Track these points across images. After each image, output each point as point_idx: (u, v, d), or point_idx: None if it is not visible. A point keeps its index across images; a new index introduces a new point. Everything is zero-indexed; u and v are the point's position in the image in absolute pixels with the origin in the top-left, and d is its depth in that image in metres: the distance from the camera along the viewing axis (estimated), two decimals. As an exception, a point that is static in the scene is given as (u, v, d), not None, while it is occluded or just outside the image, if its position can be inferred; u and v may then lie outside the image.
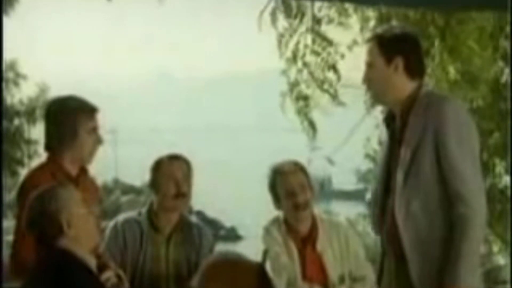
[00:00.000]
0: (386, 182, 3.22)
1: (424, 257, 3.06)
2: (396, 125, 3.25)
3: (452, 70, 7.95)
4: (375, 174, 3.58)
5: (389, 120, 3.30)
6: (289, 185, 3.74)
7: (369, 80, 3.27)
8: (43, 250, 2.93)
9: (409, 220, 3.07)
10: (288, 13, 7.82)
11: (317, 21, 7.84)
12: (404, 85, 3.20)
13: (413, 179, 3.07)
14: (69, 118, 3.48)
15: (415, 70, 3.22)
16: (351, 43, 8.04)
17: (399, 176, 3.11)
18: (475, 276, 3.02)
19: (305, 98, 8.11)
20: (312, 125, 8.17)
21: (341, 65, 8.03)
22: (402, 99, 3.19)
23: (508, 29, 7.43)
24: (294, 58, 7.98)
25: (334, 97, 8.03)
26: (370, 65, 3.25)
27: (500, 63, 8.44)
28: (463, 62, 7.93)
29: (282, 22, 7.82)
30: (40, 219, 2.92)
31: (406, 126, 3.14)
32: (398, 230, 3.09)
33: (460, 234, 2.97)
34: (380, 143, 3.55)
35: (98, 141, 3.56)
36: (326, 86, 7.99)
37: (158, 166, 3.79)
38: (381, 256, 3.29)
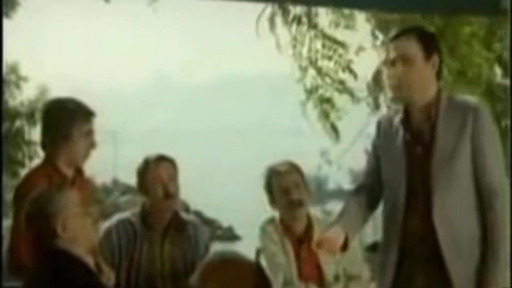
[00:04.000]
0: (409, 185, 3.07)
1: (461, 258, 2.99)
2: (414, 127, 3.09)
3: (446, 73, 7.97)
4: (379, 177, 3.25)
5: (406, 122, 3.13)
6: (283, 183, 3.76)
7: (403, 76, 3.03)
8: (41, 250, 2.93)
9: (447, 222, 2.99)
10: (285, 19, 7.85)
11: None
12: (433, 86, 3.08)
13: (450, 181, 2.99)
14: (64, 121, 3.47)
15: (441, 71, 3.12)
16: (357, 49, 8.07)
17: (435, 179, 3.00)
18: (508, 275, 3.00)
19: (327, 101, 8.14)
20: (334, 128, 8.20)
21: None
22: (428, 100, 3.06)
23: (500, 32, 7.45)
24: (310, 63, 8.00)
25: (353, 96, 8.05)
26: (406, 60, 3.03)
27: (494, 65, 8.46)
28: (459, 64, 7.93)
29: (281, 28, 7.85)
30: (36, 222, 2.91)
31: (435, 130, 3.02)
32: (433, 232, 2.99)
33: (497, 232, 2.95)
34: (378, 146, 3.27)
35: (92, 144, 3.55)
36: (343, 87, 8.02)
37: (144, 169, 3.75)
38: (397, 259, 3.11)
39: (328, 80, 8.14)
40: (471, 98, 3.24)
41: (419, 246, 3.05)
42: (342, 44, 8.02)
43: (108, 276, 3.22)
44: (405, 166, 3.09)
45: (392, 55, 3.06)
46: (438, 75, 3.10)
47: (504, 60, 8.21)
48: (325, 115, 8.27)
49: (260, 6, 7.62)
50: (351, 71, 8.11)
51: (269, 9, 7.78)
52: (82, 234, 2.94)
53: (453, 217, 3.00)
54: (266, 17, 7.81)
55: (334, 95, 8.25)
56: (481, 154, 2.99)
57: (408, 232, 3.07)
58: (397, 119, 3.17)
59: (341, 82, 8.10)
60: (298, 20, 7.96)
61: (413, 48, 3.03)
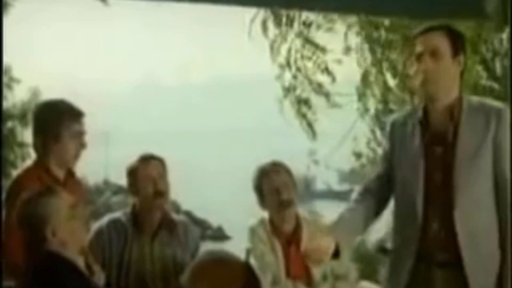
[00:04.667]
0: (427, 187, 2.98)
1: (481, 263, 2.92)
2: (435, 127, 3.01)
3: None
4: (389, 182, 3.17)
5: (426, 122, 3.04)
6: (273, 184, 3.75)
7: (431, 70, 2.95)
8: (32, 252, 2.92)
9: (468, 225, 2.91)
10: (278, 21, 7.85)
11: (307, 25, 7.88)
12: (457, 86, 3.02)
13: (472, 182, 2.92)
14: (53, 122, 3.47)
15: (463, 74, 3.04)
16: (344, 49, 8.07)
17: (458, 179, 2.92)
18: None
19: (305, 101, 8.14)
20: (311, 127, 8.20)
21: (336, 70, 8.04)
22: (451, 100, 2.99)
23: (485, 35, 7.49)
24: (287, 64, 8.00)
25: (329, 99, 8.06)
26: (434, 54, 2.95)
27: (479, 68, 8.49)
28: None
29: (273, 30, 7.85)
30: (26, 225, 2.91)
31: (458, 129, 2.94)
32: (453, 236, 2.90)
33: None
34: (391, 149, 3.18)
35: (82, 145, 3.53)
36: (321, 89, 8.03)
37: (133, 169, 3.74)
38: (413, 263, 3.01)
39: (306, 81, 8.14)
40: (491, 100, 3.16)
41: (437, 251, 2.97)
42: (322, 48, 8.02)
43: (99, 276, 3.21)
44: (424, 168, 2.99)
45: (420, 48, 2.99)
46: (462, 76, 3.05)
47: (488, 62, 8.26)
48: (302, 115, 8.25)
49: (252, 10, 7.63)
50: (329, 73, 8.11)
51: (262, 12, 7.78)
52: (72, 237, 2.94)
53: (474, 220, 2.93)
54: (259, 20, 7.81)
55: (311, 95, 8.24)
56: (503, 155, 2.93)
57: (426, 236, 2.98)
58: (413, 120, 3.08)
59: (319, 85, 8.10)
60: (289, 22, 7.96)
61: (443, 43, 2.96)
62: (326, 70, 8.01)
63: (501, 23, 5.02)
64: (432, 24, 3.06)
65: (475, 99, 3.11)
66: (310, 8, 6.02)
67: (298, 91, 8.23)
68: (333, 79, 8.11)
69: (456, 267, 2.92)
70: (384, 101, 8.14)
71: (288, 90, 8.22)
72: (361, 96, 8.27)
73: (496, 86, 8.02)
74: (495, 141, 2.94)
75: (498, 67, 7.88)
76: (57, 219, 2.89)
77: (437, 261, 2.98)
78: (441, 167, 2.98)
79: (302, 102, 8.22)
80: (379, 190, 3.21)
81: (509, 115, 2.97)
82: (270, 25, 7.86)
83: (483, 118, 2.96)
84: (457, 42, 3.00)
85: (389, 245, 3.30)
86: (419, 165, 3.00)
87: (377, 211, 3.24)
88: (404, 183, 3.07)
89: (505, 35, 7.19)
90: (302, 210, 3.95)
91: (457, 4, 4.06)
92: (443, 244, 2.95)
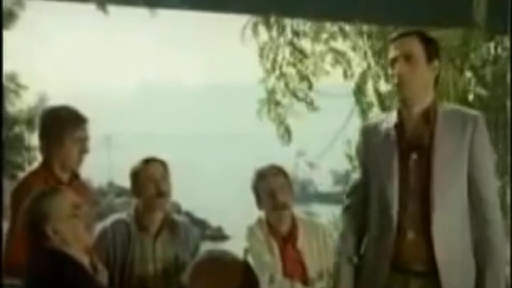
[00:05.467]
0: (402, 194, 2.84)
1: (457, 272, 2.80)
2: (410, 132, 2.89)
3: None
4: (365, 185, 3.03)
5: (401, 127, 2.92)
6: (269, 186, 3.75)
7: (405, 74, 2.85)
8: (34, 249, 2.91)
9: (446, 234, 2.78)
10: (268, 28, 7.85)
11: (295, 34, 7.87)
12: (431, 92, 2.92)
13: (448, 188, 2.80)
14: (56, 127, 3.49)
15: (438, 81, 2.95)
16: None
17: (434, 184, 2.79)
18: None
19: (280, 105, 8.13)
20: (287, 131, 8.18)
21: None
22: (426, 105, 2.88)
23: (473, 43, 7.49)
24: (272, 68, 8.00)
25: (309, 104, 8.04)
26: (408, 57, 2.86)
27: (468, 74, 8.50)
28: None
29: (262, 35, 7.85)
30: (28, 224, 2.91)
31: (435, 134, 2.83)
32: (430, 245, 2.77)
33: (492, 245, 2.81)
34: (362, 151, 3.07)
35: (84, 149, 3.54)
36: (301, 94, 8.01)
37: (136, 171, 3.75)
38: (387, 274, 2.86)
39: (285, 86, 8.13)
40: (466, 108, 3.08)
41: (414, 261, 2.84)
42: (305, 54, 7.99)
43: (102, 274, 3.21)
44: (399, 174, 2.86)
45: (394, 53, 2.92)
46: (437, 81, 2.97)
47: (478, 69, 8.26)
48: (278, 118, 8.24)
49: (242, 17, 7.64)
50: (309, 81, 8.09)
51: (253, 18, 7.79)
52: (74, 236, 2.92)
53: (450, 228, 2.81)
54: (250, 26, 7.81)
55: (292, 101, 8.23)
56: (477, 163, 2.83)
57: (402, 246, 2.84)
58: (386, 125, 2.97)
59: (298, 90, 8.08)
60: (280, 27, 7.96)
61: (416, 48, 2.88)
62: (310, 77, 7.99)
63: (490, 31, 5.01)
64: (406, 30, 2.99)
65: (450, 105, 3.04)
66: (302, 15, 6.02)
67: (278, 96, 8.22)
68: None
69: (433, 277, 2.80)
70: (376, 105, 8.14)
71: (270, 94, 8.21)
72: (357, 98, 8.25)
73: (484, 92, 8.03)
74: (471, 147, 2.83)
75: (487, 74, 7.87)
76: (59, 217, 2.88)
77: (413, 272, 2.84)
78: (417, 173, 2.85)
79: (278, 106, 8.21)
80: (357, 206, 3.08)
81: (485, 125, 2.88)
82: (261, 30, 7.87)
83: (459, 124, 2.86)
84: (431, 48, 2.91)
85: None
86: (394, 172, 2.87)
87: (359, 232, 3.08)
88: (380, 190, 2.92)
89: (492, 44, 7.20)
90: (297, 211, 3.95)
91: (446, 12, 4.07)
92: (420, 254, 2.82)
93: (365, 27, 7.47)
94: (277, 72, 7.96)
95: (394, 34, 3.01)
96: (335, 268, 3.15)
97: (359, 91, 8.04)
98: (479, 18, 4.28)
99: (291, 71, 7.97)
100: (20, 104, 19.69)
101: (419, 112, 2.89)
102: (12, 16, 18.88)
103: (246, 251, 3.72)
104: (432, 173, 2.81)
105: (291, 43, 7.86)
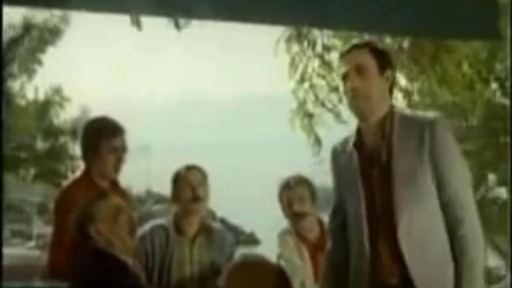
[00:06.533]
0: (369, 213, 2.67)
1: (433, 279, 2.61)
2: (369, 147, 2.72)
3: (442, 96, 7.89)
4: (340, 203, 2.86)
5: (360, 144, 2.74)
6: (288, 196, 3.77)
7: (357, 87, 2.69)
8: (79, 249, 2.93)
9: (415, 246, 2.60)
10: (300, 41, 7.86)
11: (326, 48, 7.85)
12: (386, 101, 2.74)
13: (413, 201, 2.60)
14: (93, 137, 3.53)
15: (393, 88, 2.77)
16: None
17: (397, 200, 2.61)
18: None
19: (311, 115, 8.10)
20: (317, 140, 8.16)
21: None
22: (381, 116, 2.70)
23: (500, 55, 7.40)
24: (302, 80, 7.99)
25: (338, 115, 8.00)
26: (360, 70, 2.70)
27: (494, 85, 8.41)
28: (453, 90, 7.71)
29: (295, 48, 7.85)
30: (75, 226, 2.94)
31: (392, 147, 2.65)
32: (401, 258, 2.60)
33: (465, 256, 2.59)
34: (333, 174, 2.89)
35: (120, 159, 3.56)
36: (330, 106, 7.99)
37: (176, 177, 3.77)
38: None
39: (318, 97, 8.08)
40: (426, 113, 2.84)
41: (390, 277, 2.65)
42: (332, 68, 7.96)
43: (140, 277, 3.23)
44: (364, 193, 2.69)
45: (345, 68, 2.75)
46: (391, 91, 2.78)
47: (502, 80, 8.18)
48: (308, 128, 8.19)
49: (276, 30, 7.65)
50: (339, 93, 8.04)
51: (287, 32, 7.80)
52: (118, 237, 2.94)
53: (421, 239, 2.61)
54: (284, 40, 7.82)
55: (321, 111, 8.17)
56: (441, 167, 2.62)
57: (377, 267, 2.67)
58: (350, 144, 2.79)
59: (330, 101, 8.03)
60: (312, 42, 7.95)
61: (367, 60, 2.71)
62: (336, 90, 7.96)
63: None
64: (354, 43, 2.85)
65: (408, 112, 2.83)
66: (320, 26, 5.96)
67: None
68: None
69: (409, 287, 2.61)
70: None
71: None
72: None
73: (509, 102, 7.94)
74: (431, 153, 2.62)
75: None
76: (102, 218, 2.92)
77: (391, 286, 2.65)
78: (380, 189, 2.66)
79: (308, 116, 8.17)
80: (339, 229, 2.89)
81: (446, 128, 2.69)
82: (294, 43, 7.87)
83: (416, 133, 2.64)
84: (382, 58, 2.74)
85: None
86: (360, 191, 2.69)
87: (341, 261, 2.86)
88: (351, 213, 2.76)
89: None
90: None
91: (474, 25, 4.01)
92: (394, 269, 2.63)
93: (392, 40, 7.43)
94: (307, 83, 7.95)
95: (345, 48, 2.89)
96: None
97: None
98: (506, 31, 4.21)
99: (320, 82, 7.95)
100: (64, 115, 19.93)
101: (375, 125, 2.72)
102: (58, 32, 19.14)
103: (279, 256, 3.70)
104: (393, 187, 2.63)
105: (320, 56, 7.85)
